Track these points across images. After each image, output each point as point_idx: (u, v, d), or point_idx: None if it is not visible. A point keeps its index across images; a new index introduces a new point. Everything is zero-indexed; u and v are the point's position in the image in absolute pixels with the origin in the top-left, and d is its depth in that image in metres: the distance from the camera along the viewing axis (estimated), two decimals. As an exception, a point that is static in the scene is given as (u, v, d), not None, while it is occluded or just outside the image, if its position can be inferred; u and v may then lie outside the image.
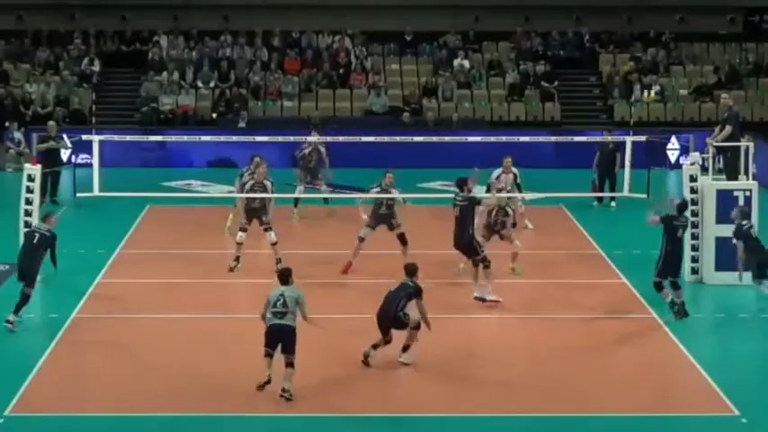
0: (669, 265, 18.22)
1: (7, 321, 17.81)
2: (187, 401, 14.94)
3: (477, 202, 19.76)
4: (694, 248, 20.54)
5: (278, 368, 15.09)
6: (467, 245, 19.36)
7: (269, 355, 15.24)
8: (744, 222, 19.01)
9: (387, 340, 16.25)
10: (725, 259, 20.30)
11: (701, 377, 15.88)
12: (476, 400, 15.14)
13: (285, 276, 15.60)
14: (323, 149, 25.63)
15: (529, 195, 24.55)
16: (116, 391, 15.27)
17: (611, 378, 16.01)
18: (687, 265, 20.47)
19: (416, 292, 16.14)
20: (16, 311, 17.90)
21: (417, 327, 16.21)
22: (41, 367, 16.07)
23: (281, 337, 15.15)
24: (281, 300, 15.19)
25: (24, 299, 17.93)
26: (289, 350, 15.12)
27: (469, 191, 19.74)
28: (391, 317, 16.07)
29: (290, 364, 15.08)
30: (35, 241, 18.18)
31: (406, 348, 16.32)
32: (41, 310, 19.35)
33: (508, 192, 22.62)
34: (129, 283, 20.52)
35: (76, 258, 22.19)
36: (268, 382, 15.22)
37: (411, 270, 16.39)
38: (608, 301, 19.76)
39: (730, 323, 18.43)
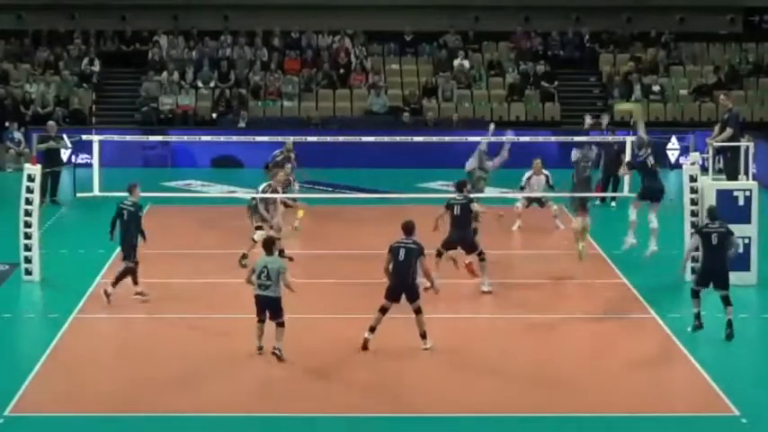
0: (704, 275, 17.72)
1: (137, 293, 19.11)
2: (187, 401, 14.93)
3: (473, 201, 19.99)
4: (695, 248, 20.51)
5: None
6: (470, 242, 19.66)
7: (261, 321, 16.48)
8: (640, 152, 20.20)
9: (386, 307, 16.69)
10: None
11: (701, 377, 15.88)
12: (474, 399, 15.13)
13: (269, 246, 16.54)
14: (293, 155, 25.42)
15: (529, 195, 24.57)
16: (116, 391, 15.26)
17: (611, 378, 16.00)
18: (688, 264, 20.47)
19: (421, 251, 16.73)
20: (135, 283, 19.12)
21: (421, 312, 16.70)
22: (41, 367, 16.06)
23: (267, 307, 16.37)
24: (265, 272, 16.24)
25: (130, 271, 19.05)
26: (276, 315, 16.37)
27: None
28: (408, 285, 16.67)
29: (279, 324, 16.36)
30: (125, 218, 19.01)
31: (424, 335, 16.77)
32: (41, 310, 19.39)
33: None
34: (130, 282, 20.48)
35: (76, 258, 22.23)
36: (260, 348, 16.42)
37: (410, 228, 16.91)
38: (608, 301, 19.77)
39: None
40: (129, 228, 19.05)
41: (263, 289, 16.31)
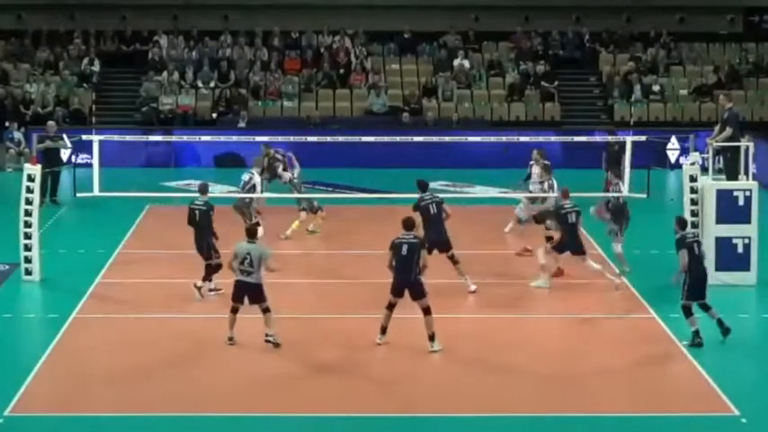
0: (698, 285, 17.37)
1: (208, 289, 19.23)
2: (187, 401, 14.93)
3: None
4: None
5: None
6: (446, 241, 19.67)
7: (234, 311, 16.74)
8: (566, 204, 20.18)
9: (393, 303, 16.73)
10: (725, 259, 20.32)
11: (701, 377, 15.88)
12: (474, 399, 15.13)
13: (254, 233, 16.92)
14: (279, 156, 25.31)
15: (530, 195, 24.51)
16: (116, 391, 15.26)
17: (612, 378, 16.00)
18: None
19: (422, 245, 16.94)
20: (207, 278, 19.26)
21: (430, 312, 16.68)
22: (41, 367, 16.06)
23: (247, 293, 16.68)
24: (248, 258, 16.57)
25: (215, 268, 19.12)
26: (258, 301, 16.69)
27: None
28: (412, 281, 16.67)
29: (265, 311, 16.68)
30: (197, 219, 19.24)
31: (432, 337, 16.74)
32: (41, 310, 19.40)
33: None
34: (129, 283, 20.52)
35: (76, 258, 22.22)
36: (231, 338, 16.78)
37: (412, 224, 17.02)
38: (608, 301, 19.76)
39: (730, 323, 18.39)
40: (201, 227, 19.24)
41: (245, 275, 16.61)
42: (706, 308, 17.47)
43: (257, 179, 22.42)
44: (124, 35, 38.78)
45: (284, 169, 24.14)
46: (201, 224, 19.24)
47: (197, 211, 19.28)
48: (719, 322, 17.44)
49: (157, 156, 33.55)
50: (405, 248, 16.66)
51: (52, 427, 14.33)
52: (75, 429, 14.25)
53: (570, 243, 20.06)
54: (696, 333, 17.24)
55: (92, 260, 21.87)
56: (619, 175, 21.86)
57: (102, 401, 14.97)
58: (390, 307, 16.84)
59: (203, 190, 19.66)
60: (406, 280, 16.67)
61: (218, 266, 19.07)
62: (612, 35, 39.55)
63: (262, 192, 22.48)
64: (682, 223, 17.70)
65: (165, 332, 17.80)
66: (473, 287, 19.84)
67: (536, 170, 24.05)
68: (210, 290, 19.36)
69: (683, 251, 17.24)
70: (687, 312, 17.29)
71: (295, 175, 23.83)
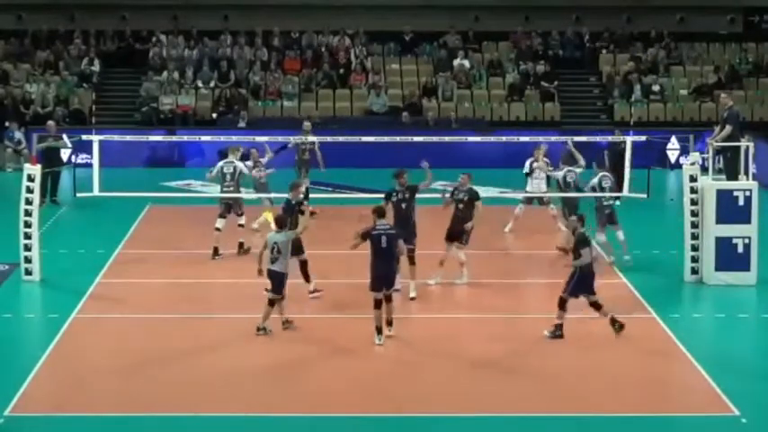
0: (589, 280, 17.36)
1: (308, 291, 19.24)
2: (187, 401, 14.94)
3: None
4: (694, 248, 20.54)
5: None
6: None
7: (271, 304, 17.10)
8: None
9: (379, 300, 16.68)
10: (725, 259, 20.32)
11: (701, 377, 15.88)
12: (473, 399, 15.13)
13: (282, 223, 17.55)
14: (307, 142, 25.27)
15: (530, 195, 24.51)
16: (116, 391, 15.26)
17: (611, 378, 16.00)
18: (687, 265, 20.48)
19: (399, 234, 16.94)
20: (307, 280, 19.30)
21: (392, 299, 16.82)
22: (41, 367, 16.05)
23: (273, 281, 17.15)
24: (276, 247, 17.13)
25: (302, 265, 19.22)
26: (274, 291, 17.15)
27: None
28: (393, 274, 16.80)
29: (270, 302, 17.09)
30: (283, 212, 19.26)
31: (390, 322, 16.83)
32: (41, 310, 19.39)
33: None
34: (129, 283, 20.52)
35: (76, 258, 22.23)
36: (264, 328, 17.10)
37: (384, 212, 17.08)
38: (608, 301, 19.71)
39: (730, 323, 18.41)
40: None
41: (272, 262, 17.09)
42: (597, 306, 17.33)
43: (240, 164, 22.51)
44: (124, 35, 38.80)
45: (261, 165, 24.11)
46: (286, 216, 19.12)
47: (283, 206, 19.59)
48: (612, 321, 17.30)
49: (161, 151, 33.59)
50: (384, 240, 16.50)
51: (52, 427, 14.33)
52: (75, 429, 14.25)
53: (454, 231, 19.94)
54: (559, 326, 17.17)
55: (92, 260, 21.87)
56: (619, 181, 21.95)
57: (102, 402, 14.97)
58: (378, 305, 16.74)
59: (293, 188, 19.60)
60: (388, 272, 16.60)
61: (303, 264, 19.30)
62: (612, 35, 39.58)
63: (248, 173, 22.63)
64: (582, 220, 17.64)
65: (165, 332, 17.80)
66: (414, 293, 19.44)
67: (538, 165, 24.06)
68: (311, 291, 19.28)
69: (587, 248, 17.17)
70: (563, 305, 17.19)
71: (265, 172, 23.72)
